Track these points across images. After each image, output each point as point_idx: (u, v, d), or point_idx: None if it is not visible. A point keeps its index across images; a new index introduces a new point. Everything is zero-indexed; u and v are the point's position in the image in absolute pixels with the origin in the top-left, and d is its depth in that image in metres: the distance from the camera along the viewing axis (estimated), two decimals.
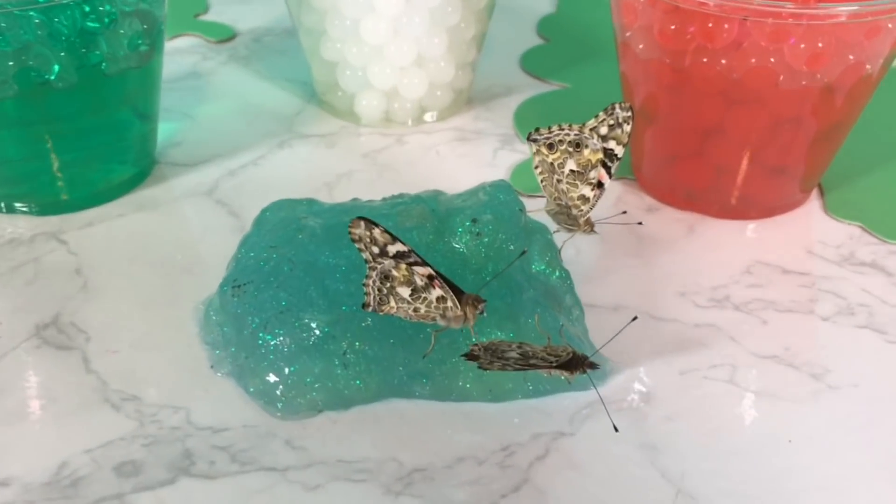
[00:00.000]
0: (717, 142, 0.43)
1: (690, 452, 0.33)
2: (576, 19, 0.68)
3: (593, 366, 0.33)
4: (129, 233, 0.45)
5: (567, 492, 0.32)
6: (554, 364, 0.33)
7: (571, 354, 0.33)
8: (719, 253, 0.44)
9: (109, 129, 0.45)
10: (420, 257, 0.33)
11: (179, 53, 0.62)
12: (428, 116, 0.54)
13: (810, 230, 0.45)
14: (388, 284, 0.33)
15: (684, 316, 0.40)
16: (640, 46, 0.43)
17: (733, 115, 0.42)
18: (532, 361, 0.33)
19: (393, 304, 0.34)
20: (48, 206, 0.46)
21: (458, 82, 0.54)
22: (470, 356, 0.33)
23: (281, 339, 0.35)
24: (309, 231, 0.38)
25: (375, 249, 0.33)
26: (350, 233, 0.33)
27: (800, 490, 0.32)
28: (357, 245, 0.33)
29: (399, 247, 0.33)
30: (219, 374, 0.36)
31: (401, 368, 0.35)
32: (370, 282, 0.34)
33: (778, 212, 0.46)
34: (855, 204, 0.47)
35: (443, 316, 0.34)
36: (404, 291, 0.33)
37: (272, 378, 0.35)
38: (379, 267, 0.33)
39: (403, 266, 0.33)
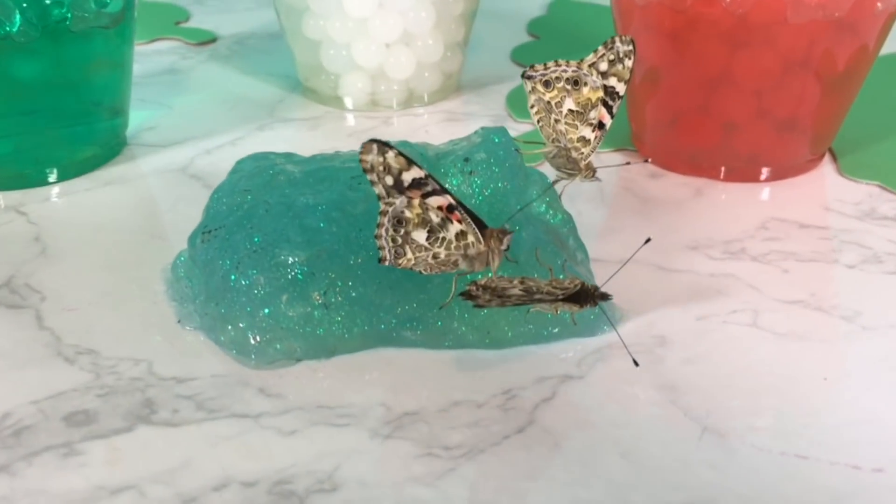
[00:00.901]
0: (724, 93, 0.40)
1: (715, 392, 0.30)
2: (566, 19, 0.66)
3: (605, 296, 0.29)
4: (94, 203, 0.42)
5: (578, 432, 0.28)
6: (560, 297, 0.29)
7: (580, 286, 0.29)
8: (730, 211, 0.41)
9: (75, 99, 0.43)
10: (439, 184, 0.29)
11: (157, 54, 0.60)
12: (416, 100, 0.52)
13: (826, 190, 0.42)
14: (403, 231, 0.29)
15: (698, 267, 0.36)
16: None
17: (740, 59, 0.39)
18: (537, 297, 0.29)
19: (410, 254, 0.30)
20: (8, 180, 0.42)
21: (447, 65, 0.52)
22: (467, 296, 0.29)
23: (254, 278, 0.31)
24: (287, 175, 0.35)
25: (389, 180, 0.29)
26: (361, 161, 0.29)
27: (840, 424, 0.28)
28: (370, 177, 0.29)
29: (415, 172, 0.29)
30: (187, 328, 0.33)
31: (389, 312, 0.32)
32: (382, 231, 0.29)
33: (789, 175, 0.43)
34: (871, 166, 0.44)
35: (465, 256, 0.30)
36: (420, 236, 0.29)
37: (244, 323, 0.31)
38: (390, 210, 0.29)
39: (417, 202, 0.29)
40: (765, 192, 0.42)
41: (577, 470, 0.27)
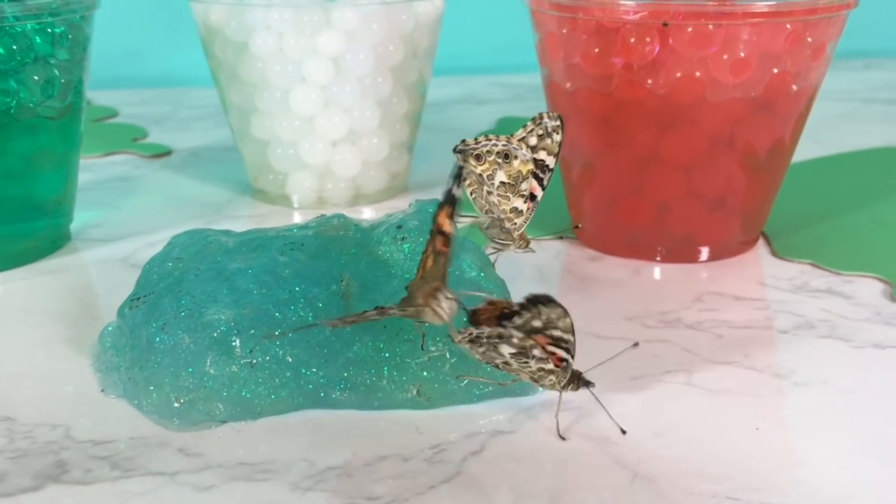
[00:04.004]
0: (655, 173, 0.42)
1: (647, 442, 0.29)
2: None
3: (588, 383, 0.30)
4: (30, 290, 0.41)
5: (507, 481, 0.27)
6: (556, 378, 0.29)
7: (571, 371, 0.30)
8: (667, 287, 0.41)
9: (18, 191, 0.43)
10: None
11: (110, 165, 0.61)
12: (363, 199, 0.53)
13: (760, 268, 0.43)
14: None
15: (634, 335, 0.36)
16: (567, 84, 0.42)
17: (667, 139, 0.41)
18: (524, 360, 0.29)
19: None
20: None
21: (393, 165, 0.53)
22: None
23: (179, 338, 0.31)
24: (220, 245, 0.35)
25: None
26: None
27: (772, 468, 0.28)
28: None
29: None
30: (111, 397, 0.32)
31: (316, 372, 0.31)
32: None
33: (725, 255, 0.44)
34: (803, 247, 0.45)
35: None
36: None
37: (167, 385, 0.30)
38: None
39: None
40: (701, 271, 0.43)
41: None
